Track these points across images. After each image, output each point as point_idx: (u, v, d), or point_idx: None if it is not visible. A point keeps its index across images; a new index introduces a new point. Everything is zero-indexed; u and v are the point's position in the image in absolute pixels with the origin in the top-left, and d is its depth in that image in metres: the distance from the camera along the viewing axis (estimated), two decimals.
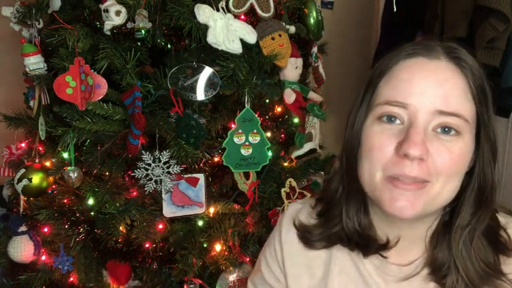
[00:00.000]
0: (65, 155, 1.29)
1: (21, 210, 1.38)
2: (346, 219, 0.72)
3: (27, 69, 1.28)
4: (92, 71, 1.20)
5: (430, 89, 0.61)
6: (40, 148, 1.36)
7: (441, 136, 0.61)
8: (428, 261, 0.69)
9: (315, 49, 1.55)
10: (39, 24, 1.30)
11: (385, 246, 0.70)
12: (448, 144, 0.61)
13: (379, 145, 0.63)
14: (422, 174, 0.60)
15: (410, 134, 0.60)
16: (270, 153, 1.36)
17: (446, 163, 0.61)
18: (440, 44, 0.65)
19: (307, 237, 0.76)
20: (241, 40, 1.24)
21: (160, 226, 1.32)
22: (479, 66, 0.64)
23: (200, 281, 1.34)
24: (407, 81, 0.62)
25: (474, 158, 0.65)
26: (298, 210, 0.82)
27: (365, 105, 0.68)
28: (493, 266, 0.65)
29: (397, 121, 0.63)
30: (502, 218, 0.71)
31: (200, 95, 1.26)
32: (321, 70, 1.63)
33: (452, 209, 0.68)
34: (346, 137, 0.71)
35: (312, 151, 1.49)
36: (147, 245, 1.31)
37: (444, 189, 0.63)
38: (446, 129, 0.61)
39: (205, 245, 1.32)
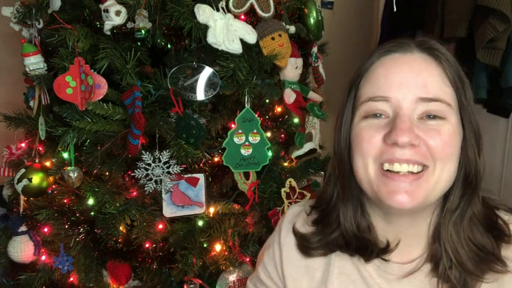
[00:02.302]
0: (65, 155, 1.29)
1: (21, 210, 1.38)
2: (344, 223, 0.72)
3: (27, 69, 1.28)
4: (92, 71, 1.20)
5: (408, 81, 0.63)
6: (40, 148, 1.36)
7: (428, 121, 0.63)
8: (429, 257, 0.69)
9: (315, 49, 1.55)
10: (39, 24, 1.30)
11: (385, 249, 0.70)
12: (437, 128, 0.62)
13: (368, 137, 0.65)
14: (416, 157, 0.61)
15: (397, 123, 0.61)
16: (270, 153, 1.36)
17: (439, 144, 0.62)
18: (412, 39, 0.67)
19: (304, 245, 0.76)
20: (241, 40, 1.24)
21: (160, 226, 1.32)
22: (452, 56, 0.66)
23: (200, 281, 1.34)
24: (384, 76, 0.64)
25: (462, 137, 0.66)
26: (297, 214, 0.82)
27: (350, 107, 0.70)
28: (487, 249, 0.65)
29: (383, 116, 0.65)
30: (505, 216, 0.71)
31: (200, 95, 1.26)
32: (321, 70, 1.63)
33: (444, 197, 0.68)
34: (336, 141, 0.72)
35: (312, 151, 1.49)
36: (147, 245, 1.31)
37: (442, 175, 0.63)
38: (432, 116, 0.63)
39: (205, 245, 1.32)
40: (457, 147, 0.65)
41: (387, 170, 0.63)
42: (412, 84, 0.62)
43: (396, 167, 0.62)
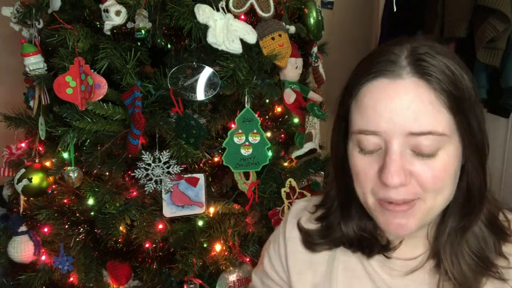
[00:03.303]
0: (65, 155, 1.29)
1: (21, 210, 1.38)
2: (346, 230, 0.73)
3: (27, 69, 1.28)
4: (92, 71, 1.20)
5: (398, 113, 0.58)
6: (40, 148, 1.36)
7: (421, 154, 0.60)
8: (432, 254, 0.69)
9: (315, 49, 1.55)
10: (39, 24, 1.30)
11: (387, 247, 0.71)
12: (429, 162, 0.60)
13: (363, 172, 0.64)
14: (409, 195, 0.61)
15: (387, 164, 0.59)
16: (270, 153, 1.36)
17: (429, 181, 0.60)
18: (407, 52, 0.61)
19: (309, 241, 0.77)
20: (241, 40, 1.24)
21: (160, 226, 1.32)
22: (451, 64, 0.60)
23: (200, 281, 1.34)
24: (372, 109, 0.60)
25: (464, 160, 0.64)
26: (302, 209, 0.83)
27: (343, 126, 0.68)
28: (488, 259, 0.65)
29: (375, 147, 0.62)
30: (509, 214, 0.71)
31: (200, 95, 1.26)
32: (321, 70, 1.63)
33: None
34: (333, 156, 0.71)
35: (312, 151, 1.49)
36: (147, 245, 1.31)
37: (436, 202, 0.62)
38: (423, 152, 0.60)
39: (205, 245, 1.32)
40: (452, 175, 0.62)
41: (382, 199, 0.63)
42: (401, 119, 0.58)
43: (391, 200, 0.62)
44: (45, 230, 1.35)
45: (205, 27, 1.20)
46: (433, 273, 0.68)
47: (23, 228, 1.36)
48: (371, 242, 0.72)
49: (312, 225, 0.78)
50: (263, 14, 1.29)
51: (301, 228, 0.79)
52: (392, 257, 0.71)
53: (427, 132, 0.58)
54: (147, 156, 1.20)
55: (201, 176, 1.32)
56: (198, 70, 1.25)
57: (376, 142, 0.61)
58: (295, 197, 1.39)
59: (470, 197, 0.65)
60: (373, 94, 0.61)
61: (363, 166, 0.64)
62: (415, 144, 0.59)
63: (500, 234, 0.67)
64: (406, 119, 0.58)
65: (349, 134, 0.66)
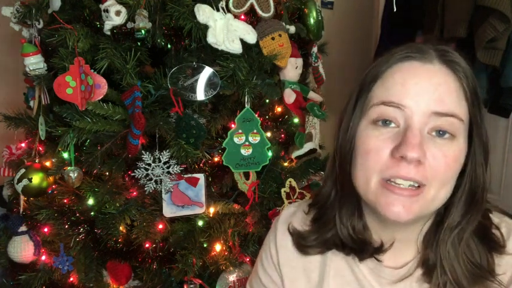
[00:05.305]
0: (65, 155, 1.29)
1: (21, 210, 1.38)
2: (340, 225, 0.72)
3: (27, 69, 1.28)
4: (92, 71, 1.20)
5: (425, 93, 0.61)
6: (40, 148, 1.36)
7: (436, 139, 0.61)
8: (421, 262, 0.69)
9: (315, 49, 1.55)
10: (39, 24, 1.30)
11: (379, 249, 0.71)
12: (443, 148, 0.61)
13: (375, 148, 0.63)
14: (418, 177, 0.60)
15: (408, 137, 0.60)
16: (270, 153, 1.36)
17: (441, 167, 0.61)
18: (433, 47, 0.65)
19: (301, 243, 0.76)
20: (241, 40, 1.24)
21: (160, 226, 1.32)
22: (470, 69, 0.65)
23: (200, 281, 1.34)
24: (401, 84, 0.62)
25: (466, 159, 0.65)
26: (292, 214, 0.82)
27: (359, 110, 0.67)
28: (483, 267, 0.65)
29: (393, 124, 0.63)
30: (496, 218, 0.71)
31: (200, 95, 1.26)
32: (321, 70, 1.63)
33: (443, 209, 0.68)
34: (339, 142, 0.70)
35: (312, 151, 1.49)
36: (147, 245, 1.31)
37: (439, 194, 0.63)
38: (441, 132, 0.61)
39: (205, 245, 1.32)
40: (459, 168, 0.64)
41: (388, 181, 0.62)
42: (428, 97, 0.61)
43: (398, 180, 0.61)
44: (45, 230, 1.35)
45: (205, 27, 1.20)
46: (421, 282, 0.68)
47: (23, 228, 1.36)
48: (364, 243, 0.71)
49: (305, 227, 0.78)
50: (263, 14, 1.29)
51: (293, 232, 0.78)
52: (382, 260, 0.71)
53: (449, 114, 0.61)
54: (147, 156, 1.20)
55: (201, 176, 1.32)
56: (198, 70, 1.25)
57: (396, 117, 0.62)
58: (295, 197, 1.39)
59: (474, 192, 0.65)
60: (403, 73, 0.63)
61: (375, 142, 0.63)
62: (434, 126, 0.61)
63: (491, 244, 0.67)
64: (431, 99, 0.61)
65: (366, 110, 0.66)
